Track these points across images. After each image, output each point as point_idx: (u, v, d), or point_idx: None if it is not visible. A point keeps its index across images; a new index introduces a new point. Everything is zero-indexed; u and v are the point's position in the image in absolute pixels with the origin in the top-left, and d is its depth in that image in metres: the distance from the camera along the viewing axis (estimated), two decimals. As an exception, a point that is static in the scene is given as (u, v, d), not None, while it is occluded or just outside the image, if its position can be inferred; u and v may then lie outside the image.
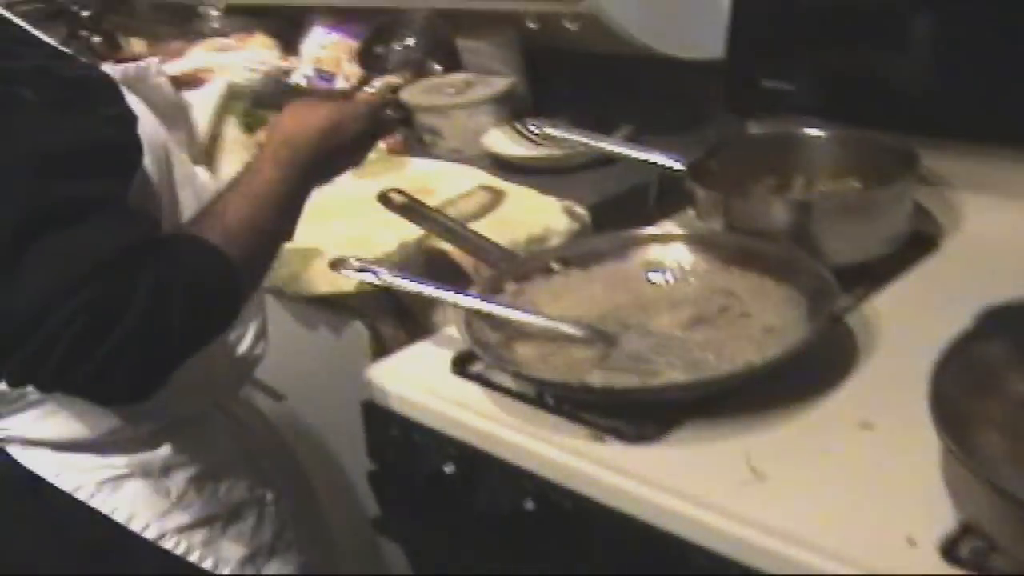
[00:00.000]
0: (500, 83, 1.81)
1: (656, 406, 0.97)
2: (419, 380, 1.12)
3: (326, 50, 1.95)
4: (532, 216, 1.51)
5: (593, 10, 1.51)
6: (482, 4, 1.73)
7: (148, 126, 1.06)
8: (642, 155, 1.38)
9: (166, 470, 1.16)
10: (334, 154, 1.12)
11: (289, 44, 2.12)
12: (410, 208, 1.29)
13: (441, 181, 1.65)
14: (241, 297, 1.00)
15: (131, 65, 1.22)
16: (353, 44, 1.92)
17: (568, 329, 1.08)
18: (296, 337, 1.51)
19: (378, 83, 1.87)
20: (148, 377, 0.92)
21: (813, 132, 1.33)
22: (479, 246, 1.26)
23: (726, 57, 1.46)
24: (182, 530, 1.16)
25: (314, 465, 1.46)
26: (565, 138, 1.47)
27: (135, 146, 0.98)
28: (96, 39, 2.32)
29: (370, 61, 1.57)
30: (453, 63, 1.89)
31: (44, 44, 1.01)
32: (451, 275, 1.36)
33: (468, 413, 1.05)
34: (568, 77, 1.85)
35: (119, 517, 1.13)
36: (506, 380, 1.06)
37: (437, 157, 1.75)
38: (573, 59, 1.78)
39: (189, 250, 0.95)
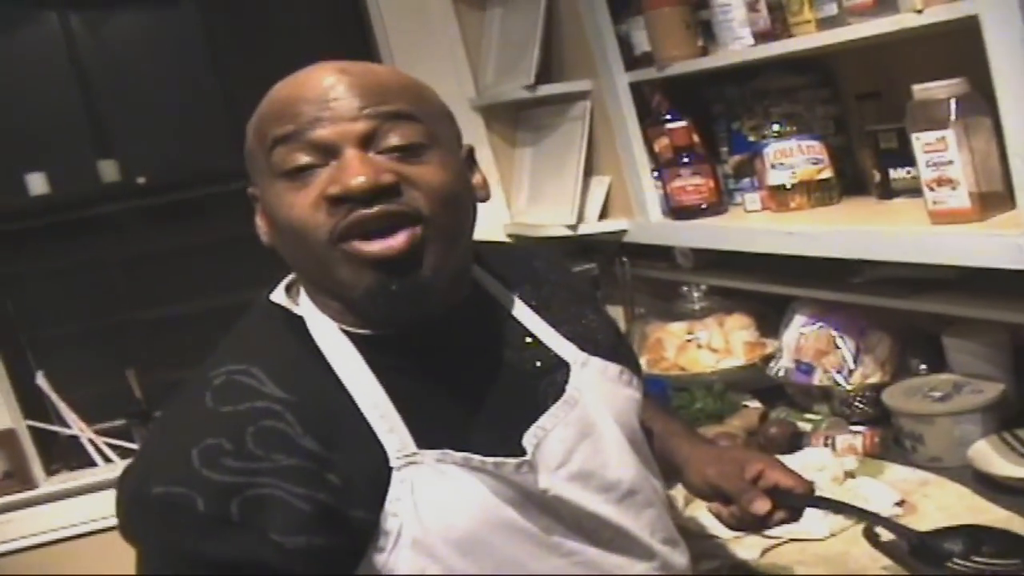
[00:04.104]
0: (991, 389, 1.70)
1: None
2: None
3: (806, 339, 1.97)
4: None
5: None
6: (979, 313, 1.68)
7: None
8: None
9: None
10: None
11: (767, 327, 2.19)
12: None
13: (924, 498, 1.57)
14: None
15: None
16: (834, 335, 1.93)
17: None
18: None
19: (856, 377, 1.87)
20: None
21: None
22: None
23: None
24: None
25: None
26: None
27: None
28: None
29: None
30: (937, 361, 1.84)
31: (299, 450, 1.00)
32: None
33: None
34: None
35: None
36: None
37: (915, 465, 1.68)
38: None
39: None
